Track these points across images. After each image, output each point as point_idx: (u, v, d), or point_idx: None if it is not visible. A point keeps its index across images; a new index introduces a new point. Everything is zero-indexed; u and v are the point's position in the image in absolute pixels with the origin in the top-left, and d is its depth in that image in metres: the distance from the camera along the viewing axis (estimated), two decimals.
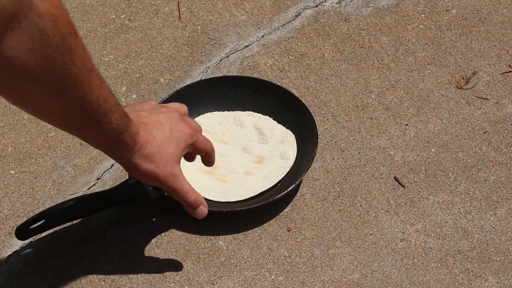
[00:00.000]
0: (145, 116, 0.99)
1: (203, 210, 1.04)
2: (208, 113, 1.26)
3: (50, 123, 0.92)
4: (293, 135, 1.23)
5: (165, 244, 1.12)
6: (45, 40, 0.76)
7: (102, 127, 0.90)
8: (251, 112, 1.26)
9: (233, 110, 1.27)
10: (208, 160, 1.09)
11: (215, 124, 1.25)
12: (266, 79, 1.33)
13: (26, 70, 0.77)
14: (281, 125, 1.25)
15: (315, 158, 1.18)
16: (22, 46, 0.75)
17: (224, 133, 1.24)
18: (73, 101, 0.84)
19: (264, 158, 1.21)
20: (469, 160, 1.22)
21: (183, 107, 1.09)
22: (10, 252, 1.11)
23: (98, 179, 1.20)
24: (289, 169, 1.19)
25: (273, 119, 1.26)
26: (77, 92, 0.83)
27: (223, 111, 1.27)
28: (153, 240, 1.13)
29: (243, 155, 1.21)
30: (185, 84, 1.30)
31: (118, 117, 0.91)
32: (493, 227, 1.14)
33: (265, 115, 1.26)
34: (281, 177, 1.18)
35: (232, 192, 1.16)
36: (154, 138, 0.97)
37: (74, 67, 0.81)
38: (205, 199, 1.15)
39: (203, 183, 1.17)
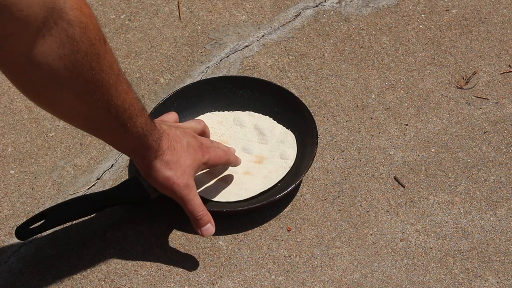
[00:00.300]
0: (166, 128, 1.03)
1: (211, 229, 1.07)
2: (208, 113, 1.26)
3: (77, 126, 0.95)
4: (293, 135, 1.23)
5: (165, 244, 1.12)
6: (74, 46, 0.79)
7: (128, 130, 0.93)
8: (251, 112, 1.26)
9: (233, 110, 1.27)
10: (230, 166, 1.16)
11: (215, 124, 1.25)
12: (266, 79, 1.33)
13: (56, 75, 0.80)
14: (281, 125, 1.25)
15: (315, 158, 1.18)
16: (52, 52, 0.78)
17: (224, 133, 1.24)
18: (100, 105, 0.87)
19: (264, 158, 1.21)
20: (469, 160, 1.22)
21: (199, 125, 1.14)
22: (10, 252, 1.11)
23: (98, 179, 1.20)
24: (289, 169, 1.19)
25: (273, 119, 1.26)
26: (104, 96, 0.86)
27: (223, 111, 1.27)
28: (153, 240, 1.13)
29: (243, 155, 1.21)
30: (185, 84, 1.30)
31: (143, 120, 0.94)
32: (493, 227, 1.14)
33: (265, 115, 1.26)
34: (281, 177, 1.18)
35: (232, 192, 1.16)
36: (174, 147, 1.02)
37: (102, 72, 0.84)
38: (205, 199, 1.15)
39: (203, 183, 1.17)
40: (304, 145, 1.21)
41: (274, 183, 1.18)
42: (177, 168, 1.02)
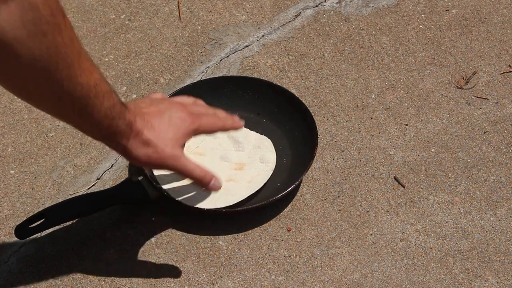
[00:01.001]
0: (144, 106, 1.00)
1: (216, 183, 1.04)
2: None
3: (44, 109, 0.92)
4: (269, 140, 1.22)
5: (165, 244, 1.12)
6: (36, 13, 0.79)
7: (94, 112, 0.90)
8: None
9: (233, 110, 1.27)
10: (227, 130, 1.09)
11: None
12: (266, 79, 1.33)
13: (19, 44, 0.79)
14: (254, 132, 1.24)
15: (315, 158, 1.18)
16: (15, 19, 0.77)
17: (198, 145, 1.22)
18: (64, 82, 0.85)
19: (244, 165, 1.19)
20: (469, 160, 1.22)
21: (188, 98, 1.09)
22: (10, 252, 1.11)
23: (98, 179, 1.20)
24: (271, 172, 1.18)
25: (273, 119, 1.25)
26: (67, 72, 0.85)
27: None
28: (153, 240, 1.13)
29: (222, 163, 1.19)
30: (185, 84, 1.30)
31: (111, 103, 0.91)
32: (493, 227, 1.14)
33: (265, 115, 1.26)
34: (266, 181, 1.17)
35: (220, 199, 1.14)
36: (151, 125, 0.98)
37: (64, 46, 0.83)
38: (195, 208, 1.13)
39: (189, 191, 1.15)
40: (304, 145, 1.21)
41: (260, 186, 1.16)
42: (156, 144, 0.99)
